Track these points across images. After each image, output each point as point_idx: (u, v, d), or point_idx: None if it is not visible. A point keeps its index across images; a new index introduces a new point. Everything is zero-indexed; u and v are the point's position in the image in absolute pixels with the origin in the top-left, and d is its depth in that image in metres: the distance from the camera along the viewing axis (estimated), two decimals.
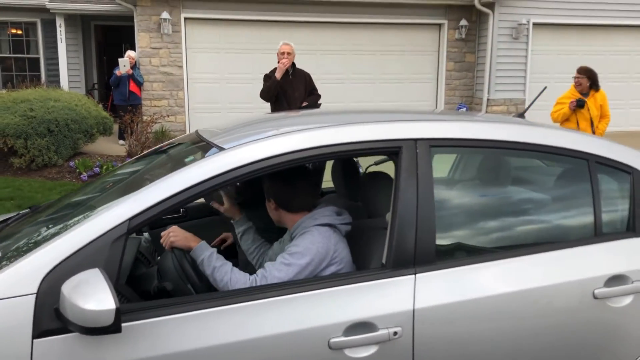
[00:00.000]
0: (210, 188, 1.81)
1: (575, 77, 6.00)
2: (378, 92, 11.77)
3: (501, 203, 2.30)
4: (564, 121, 6.07)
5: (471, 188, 2.53)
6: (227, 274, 1.99)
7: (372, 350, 1.80)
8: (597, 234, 2.17)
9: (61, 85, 11.29)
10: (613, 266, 2.11)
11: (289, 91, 5.89)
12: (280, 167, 1.90)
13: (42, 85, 10.82)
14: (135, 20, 10.64)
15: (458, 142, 2.11)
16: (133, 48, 10.79)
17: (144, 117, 9.48)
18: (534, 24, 11.34)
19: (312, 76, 6.29)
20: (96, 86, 13.02)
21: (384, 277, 1.89)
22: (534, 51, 11.55)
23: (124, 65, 9.51)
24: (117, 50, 12.94)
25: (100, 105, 9.33)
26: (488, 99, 11.45)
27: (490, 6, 11.08)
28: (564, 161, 2.31)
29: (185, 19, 10.68)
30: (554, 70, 11.79)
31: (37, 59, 12.32)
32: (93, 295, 1.49)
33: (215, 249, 2.06)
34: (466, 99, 11.98)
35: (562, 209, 2.28)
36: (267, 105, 6.21)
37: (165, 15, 10.36)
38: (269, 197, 2.27)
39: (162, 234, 2.12)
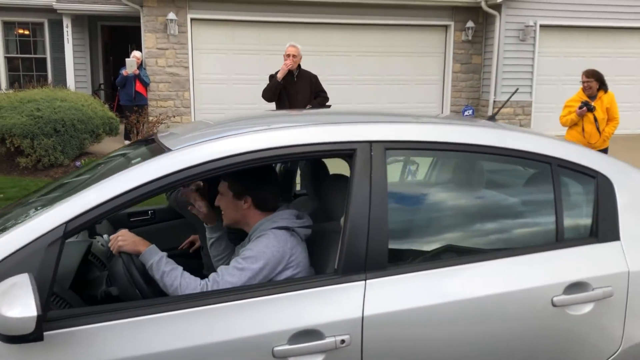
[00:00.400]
0: (154, 190, 1.76)
1: (584, 82, 5.95)
2: (384, 94, 11.75)
3: (461, 207, 2.23)
4: (571, 125, 6.03)
5: (435, 192, 2.44)
6: (176, 278, 1.94)
7: (318, 358, 1.76)
8: (559, 239, 2.11)
9: (67, 85, 11.35)
10: (573, 273, 2.05)
11: (292, 93, 5.87)
12: (229, 169, 1.86)
13: (49, 85, 10.86)
14: (141, 21, 10.67)
15: (414, 145, 2.06)
16: (139, 48, 10.81)
17: (150, 118, 9.50)
18: (541, 26, 11.29)
19: (319, 77, 6.26)
20: (102, 86, 13.07)
21: (333, 283, 1.84)
22: (541, 53, 11.49)
23: (130, 66, 9.53)
24: (123, 50, 12.98)
25: (107, 106, 9.36)
26: (495, 101, 11.40)
27: (497, 8, 11.04)
28: (526, 165, 2.24)
29: (192, 19, 10.70)
30: (562, 72, 11.72)
31: (44, 59, 12.39)
32: (16, 302, 1.45)
33: (165, 253, 2.02)
34: (472, 101, 11.94)
35: (523, 214, 2.23)
36: (268, 104, 6.20)
37: (171, 16, 10.38)
38: (241, 195, 2.19)
39: (111, 237, 2.06)
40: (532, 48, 11.37)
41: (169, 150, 1.91)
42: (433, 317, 1.88)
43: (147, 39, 10.57)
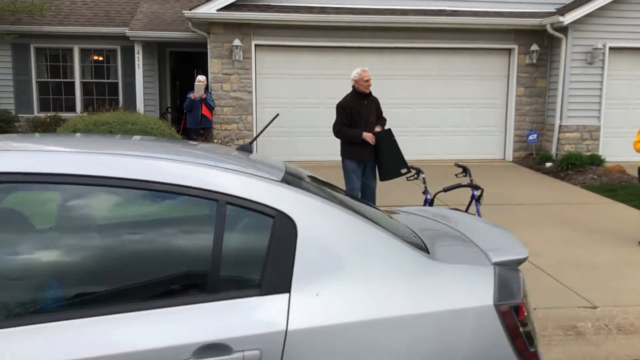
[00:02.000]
0: None
1: None
2: (445, 117, 11.66)
3: (92, 251, 1.82)
4: None
5: (56, 235, 1.89)
6: None
7: None
8: (210, 290, 1.78)
9: (137, 108, 11.84)
10: (211, 332, 1.71)
11: (365, 115, 5.99)
12: None
13: (120, 108, 11.37)
14: (208, 47, 11.05)
15: (13, 177, 1.75)
16: (203, 73, 11.19)
17: (215, 141, 9.78)
18: (611, 48, 10.95)
19: (379, 100, 6.38)
20: (169, 110, 13.55)
21: None
22: (610, 76, 11.13)
23: (199, 90, 9.88)
24: (188, 75, 13.47)
25: (174, 128, 9.69)
26: (560, 125, 11.10)
27: (563, 31, 10.81)
28: (188, 201, 1.89)
29: (256, 45, 10.99)
30: (633, 96, 11.32)
31: (116, 84, 12.99)
32: None
33: None
34: (537, 125, 11.67)
35: (173, 260, 1.83)
36: (327, 127, 6.25)
37: (237, 42, 10.71)
38: None
39: None
40: (600, 71, 11.03)
41: None
42: None
43: (214, 64, 10.93)
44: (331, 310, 1.81)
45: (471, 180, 5.31)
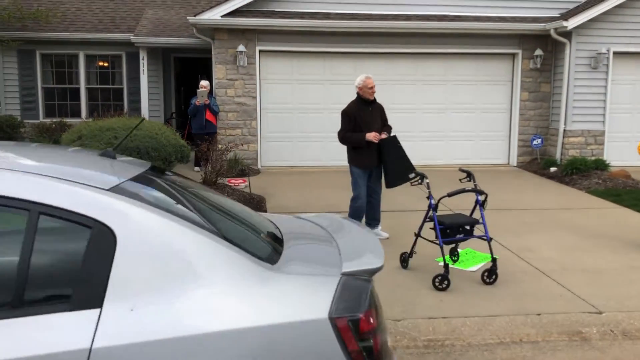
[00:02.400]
0: None
1: None
2: (450, 122, 11.66)
3: None
4: None
5: None
6: None
7: None
8: (15, 306, 1.71)
9: (142, 114, 11.88)
10: (7, 351, 1.63)
11: (370, 122, 6.00)
12: None
13: (125, 114, 11.42)
14: (213, 53, 11.10)
15: None
16: (207, 78, 11.22)
17: (219, 146, 9.80)
18: (615, 53, 10.95)
19: (383, 106, 6.38)
20: (174, 115, 13.60)
21: None
22: (615, 81, 11.12)
23: (202, 96, 9.92)
24: (193, 80, 13.51)
25: (178, 134, 9.72)
26: (565, 130, 11.08)
27: (567, 35, 10.81)
28: None
29: (260, 51, 11.03)
30: (637, 100, 11.30)
31: (121, 90, 13.05)
32: None
33: None
34: (542, 130, 11.66)
35: None
36: (331, 133, 6.27)
37: (241, 48, 10.75)
38: None
39: None
40: (604, 76, 11.02)
41: None
42: None
43: (218, 70, 10.97)
44: (147, 326, 1.71)
45: (475, 185, 5.30)
